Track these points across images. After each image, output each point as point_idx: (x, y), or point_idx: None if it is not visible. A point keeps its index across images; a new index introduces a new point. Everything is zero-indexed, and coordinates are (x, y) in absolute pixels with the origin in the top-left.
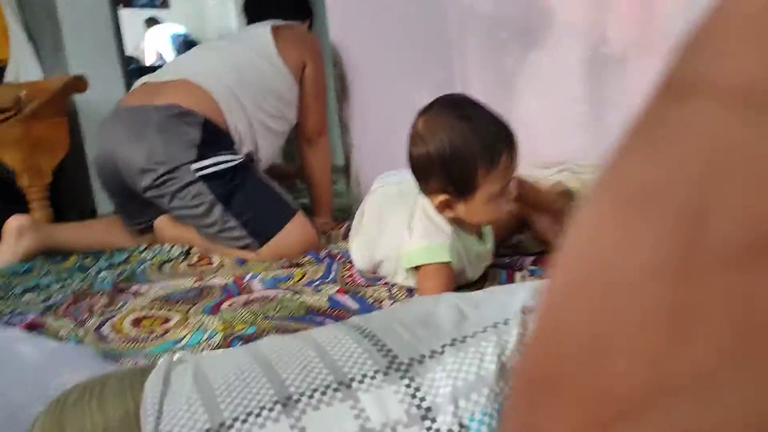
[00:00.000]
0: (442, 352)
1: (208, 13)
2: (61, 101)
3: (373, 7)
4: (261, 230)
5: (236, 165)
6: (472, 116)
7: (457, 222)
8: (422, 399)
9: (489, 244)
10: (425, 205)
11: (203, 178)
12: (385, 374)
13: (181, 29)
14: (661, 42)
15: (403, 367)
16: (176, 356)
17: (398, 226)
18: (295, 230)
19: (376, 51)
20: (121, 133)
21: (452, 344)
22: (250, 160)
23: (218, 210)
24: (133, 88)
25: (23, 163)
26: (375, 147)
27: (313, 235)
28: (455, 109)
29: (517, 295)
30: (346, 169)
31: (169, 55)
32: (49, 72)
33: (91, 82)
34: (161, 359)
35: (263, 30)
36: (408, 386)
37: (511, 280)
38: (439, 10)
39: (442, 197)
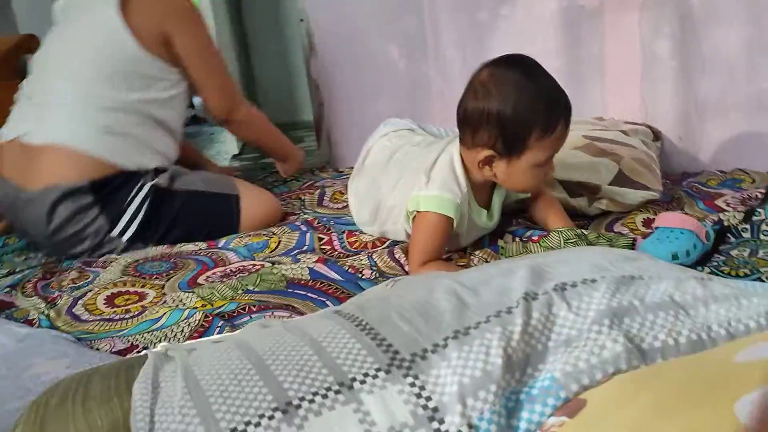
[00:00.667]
0: (446, 346)
1: None
2: (12, 62)
3: None
4: (219, 232)
5: (152, 198)
6: (539, 79)
7: (474, 188)
8: (428, 398)
9: (494, 222)
10: (453, 157)
11: (132, 237)
12: (388, 372)
13: None
14: None
15: (405, 364)
16: (161, 347)
17: (417, 171)
18: (249, 212)
19: (345, 7)
20: (17, 216)
21: (455, 337)
22: (162, 172)
23: (168, 238)
24: (4, 143)
25: None
26: (346, 102)
27: (270, 207)
28: (524, 68)
29: (515, 277)
30: (316, 127)
31: None
32: None
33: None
34: (147, 352)
35: (105, 4)
36: (413, 385)
37: (493, 243)
38: None
39: (487, 152)
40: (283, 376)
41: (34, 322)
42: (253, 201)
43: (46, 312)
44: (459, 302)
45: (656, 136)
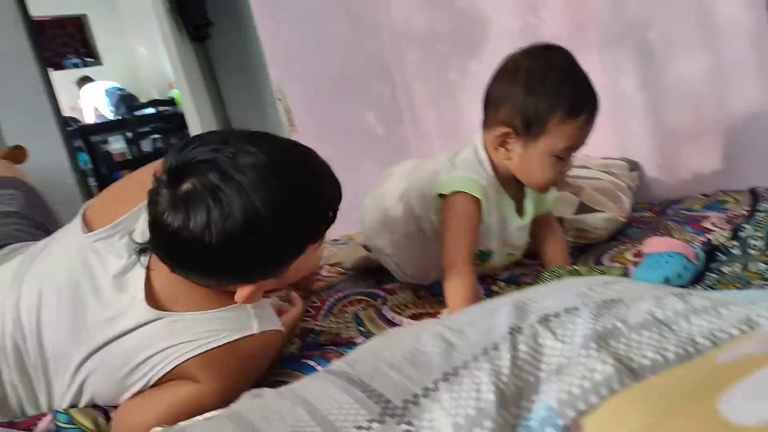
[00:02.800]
0: (436, 389)
1: (141, 64)
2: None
3: (307, 38)
4: None
5: None
6: (573, 65)
7: (501, 178)
8: None
9: (526, 219)
10: (477, 146)
11: None
12: (381, 422)
13: (115, 83)
14: (595, 37)
15: (398, 412)
16: (154, 430)
17: (441, 160)
18: None
19: (318, 81)
20: None
21: (445, 379)
22: None
23: None
24: None
25: None
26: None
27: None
28: (561, 52)
29: (500, 315)
30: None
31: (106, 110)
32: None
33: (30, 147)
34: None
35: None
36: (407, 431)
37: (488, 290)
38: (374, 31)
39: (504, 128)
40: None
41: None
42: None
43: None
44: (446, 345)
45: (634, 167)
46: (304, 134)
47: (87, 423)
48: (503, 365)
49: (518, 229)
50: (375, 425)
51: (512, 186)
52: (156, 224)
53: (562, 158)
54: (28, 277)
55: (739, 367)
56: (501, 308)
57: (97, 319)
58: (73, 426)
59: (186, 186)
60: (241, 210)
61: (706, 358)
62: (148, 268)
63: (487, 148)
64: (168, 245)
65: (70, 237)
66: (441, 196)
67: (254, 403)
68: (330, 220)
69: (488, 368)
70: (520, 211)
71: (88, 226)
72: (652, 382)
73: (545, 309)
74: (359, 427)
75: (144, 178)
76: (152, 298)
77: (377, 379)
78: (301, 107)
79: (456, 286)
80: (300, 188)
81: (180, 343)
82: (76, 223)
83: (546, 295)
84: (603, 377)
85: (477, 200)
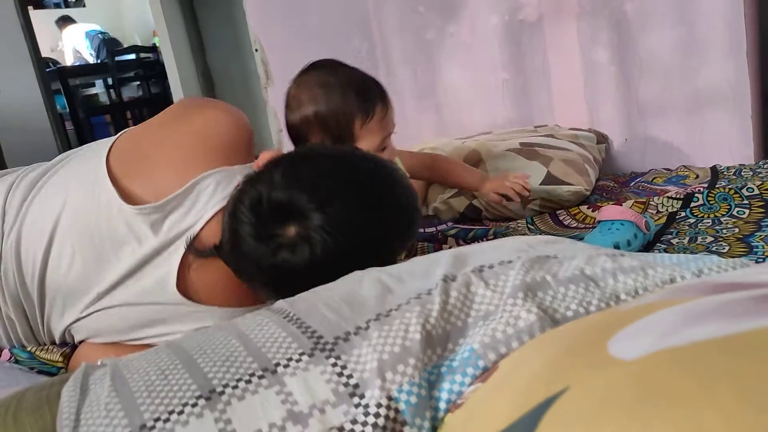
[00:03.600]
0: (367, 328)
1: (126, 9)
2: None
3: None
4: None
5: None
6: (341, 73)
7: None
8: (349, 376)
9: None
10: None
11: None
12: (311, 356)
13: (96, 26)
14: (573, 6)
15: (328, 347)
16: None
17: None
18: None
19: (295, 32)
20: None
21: (377, 319)
22: None
23: None
24: None
25: None
26: None
27: None
28: (324, 69)
29: (439, 264)
30: None
31: (86, 53)
32: None
33: (5, 86)
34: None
35: None
36: (334, 365)
37: (438, 249)
38: None
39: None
40: (208, 367)
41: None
42: None
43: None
44: (384, 289)
45: (601, 139)
46: (279, 88)
47: (55, 357)
48: (433, 309)
49: None
50: (305, 358)
51: None
52: (243, 248)
53: (384, 148)
54: (34, 207)
55: (635, 312)
56: (441, 258)
57: (116, 276)
58: (34, 360)
59: (288, 231)
60: (336, 251)
61: (614, 308)
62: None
63: None
64: (255, 269)
65: (89, 184)
66: None
67: (194, 334)
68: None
69: (418, 311)
70: None
71: (113, 178)
72: (563, 329)
73: (482, 261)
74: (289, 359)
75: (184, 140)
76: (182, 284)
77: (312, 317)
78: (278, 60)
79: None
80: (390, 228)
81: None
82: (98, 165)
83: (486, 250)
84: (526, 324)
85: None
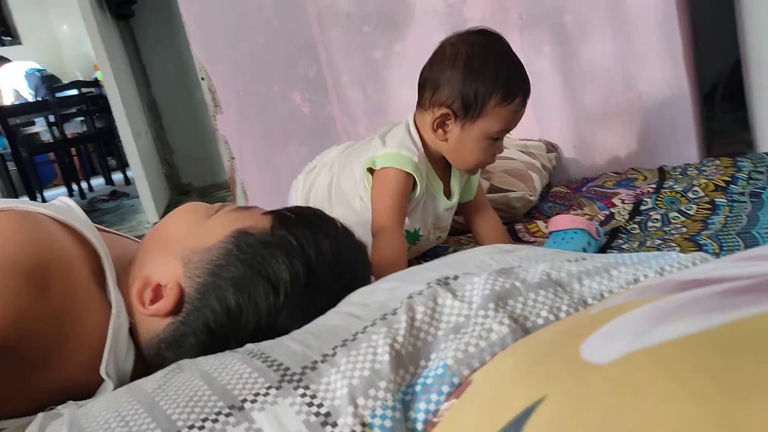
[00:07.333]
0: (334, 354)
1: (63, 43)
2: None
3: (231, 17)
4: None
5: None
6: (508, 51)
7: (430, 157)
8: (320, 405)
9: (453, 201)
10: (409, 123)
11: None
12: (278, 388)
13: (34, 64)
14: (515, 19)
15: (296, 378)
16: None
17: (371, 140)
18: None
19: (241, 58)
20: None
21: (343, 344)
22: None
23: None
24: None
25: None
26: (256, 153)
27: None
28: (495, 37)
29: (407, 282)
30: (231, 182)
31: (26, 93)
32: None
33: None
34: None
35: None
36: (303, 395)
37: None
38: (299, 11)
39: (443, 110)
40: (171, 408)
41: None
42: None
43: None
44: (351, 318)
45: (551, 148)
46: (228, 115)
47: None
48: (400, 327)
49: (445, 211)
50: (272, 391)
51: (440, 167)
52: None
53: (496, 140)
54: None
55: (605, 315)
56: (403, 276)
57: None
58: None
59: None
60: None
61: (583, 312)
62: None
63: (419, 128)
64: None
65: None
66: (370, 171)
67: (153, 377)
68: None
69: (385, 331)
70: (447, 192)
71: None
72: (533, 337)
73: (446, 273)
74: (256, 394)
75: None
76: None
77: (277, 350)
78: (226, 87)
79: (383, 246)
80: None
81: None
82: None
83: (448, 265)
84: (498, 337)
85: (409, 176)
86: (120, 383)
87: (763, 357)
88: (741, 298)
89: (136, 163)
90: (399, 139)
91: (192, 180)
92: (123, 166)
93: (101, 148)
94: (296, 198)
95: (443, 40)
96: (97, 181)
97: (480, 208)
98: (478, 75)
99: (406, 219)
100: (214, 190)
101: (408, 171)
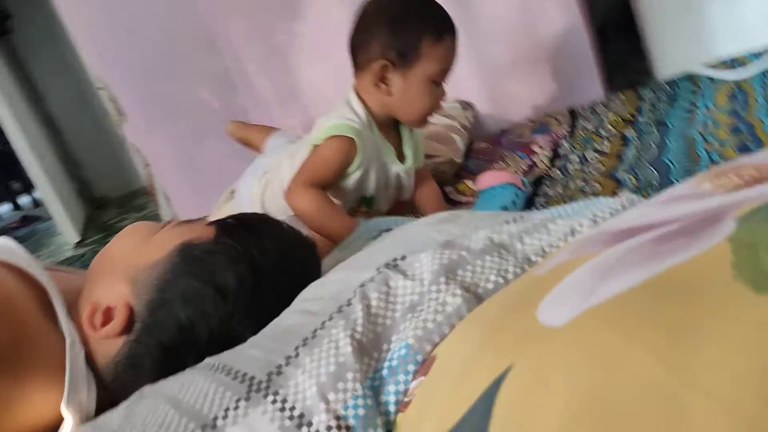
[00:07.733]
0: (297, 355)
1: None
2: None
3: (119, 19)
4: None
5: None
6: None
7: (378, 123)
8: (292, 408)
9: (407, 165)
10: (348, 96)
11: None
12: (247, 399)
13: None
14: None
15: (263, 385)
16: None
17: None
18: None
19: (140, 61)
20: None
21: (305, 344)
22: None
23: None
24: None
25: None
26: (172, 155)
27: None
28: None
29: (356, 270)
30: (150, 189)
31: None
32: None
33: None
34: None
35: None
36: (274, 402)
37: None
38: (189, 3)
39: (381, 62)
40: None
41: None
42: None
43: None
44: (306, 314)
45: (466, 106)
46: (135, 122)
47: None
48: (357, 317)
49: (404, 173)
50: (242, 403)
51: (390, 132)
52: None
53: (438, 83)
54: None
55: (552, 276)
56: (352, 263)
57: None
58: None
59: None
60: None
61: (530, 273)
62: None
63: (361, 93)
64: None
65: None
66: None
67: (116, 410)
68: None
69: (343, 324)
70: (400, 157)
71: None
72: (488, 305)
73: (392, 255)
74: (227, 409)
75: None
76: None
77: (239, 360)
78: (127, 94)
79: (300, 201)
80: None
81: None
82: None
83: (393, 245)
84: (453, 308)
85: (350, 140)
86: (85, 418)
87: (702, 301)
88: (674, 244)
89: (44, 183)
90: (337, 113)
91: (107, 192)
92: (28, 188)
93: (2, 173)
94: (251, 204)
95: (360, 6)
96: (3, 208)
97: (422, 177)
98: (405, 21)
99: (363, 184)
100: (132, 199)
101: (347, 135)
